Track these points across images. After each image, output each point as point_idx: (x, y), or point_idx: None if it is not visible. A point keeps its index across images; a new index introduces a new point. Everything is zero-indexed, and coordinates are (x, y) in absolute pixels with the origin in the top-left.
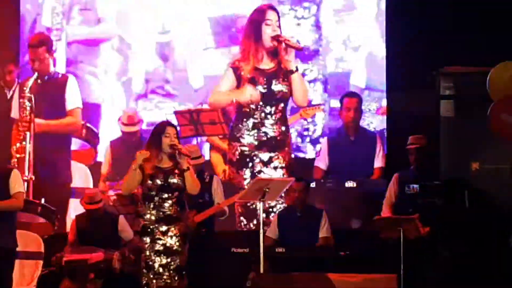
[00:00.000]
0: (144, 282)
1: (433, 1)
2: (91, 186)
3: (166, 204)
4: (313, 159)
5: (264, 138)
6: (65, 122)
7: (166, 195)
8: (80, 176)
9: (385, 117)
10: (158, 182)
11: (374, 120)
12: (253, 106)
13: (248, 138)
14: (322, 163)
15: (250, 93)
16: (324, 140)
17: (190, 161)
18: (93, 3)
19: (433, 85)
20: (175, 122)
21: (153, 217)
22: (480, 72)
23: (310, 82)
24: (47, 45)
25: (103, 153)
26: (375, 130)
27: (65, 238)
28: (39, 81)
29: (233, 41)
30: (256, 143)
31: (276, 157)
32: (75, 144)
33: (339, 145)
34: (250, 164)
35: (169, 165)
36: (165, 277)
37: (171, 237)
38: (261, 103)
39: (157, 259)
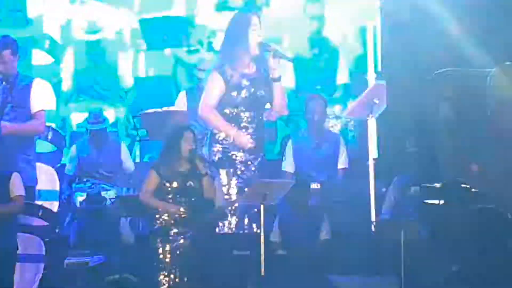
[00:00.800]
0: (157, 281)
1: (433, 2)
2: (57, 188)
3: (182, 208)
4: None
5: None
6: (30, 124)
7: (183, 199)
8: (46, 178)
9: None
10: (176, 185)
11: (337, 123)
12: (237, 110)
13: (230, 140)
14: (289, 167)
15: (245, 142)
16: (289, 143)
17: None
18: (23, 4)
19: (433, 87)
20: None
21: (169, 219)
22: (480, 74)
23: None
24: (11, 48)
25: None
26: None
27: (66, 241)
28: (4, 83)
29: (165, 43)
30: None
31: (255, 159)
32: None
33: (304, 147)
34: (230, 165)
35: (187, 169)
36: (175, 277)
37: (184, 238)
38: (243, 108)
39: (170, 259)
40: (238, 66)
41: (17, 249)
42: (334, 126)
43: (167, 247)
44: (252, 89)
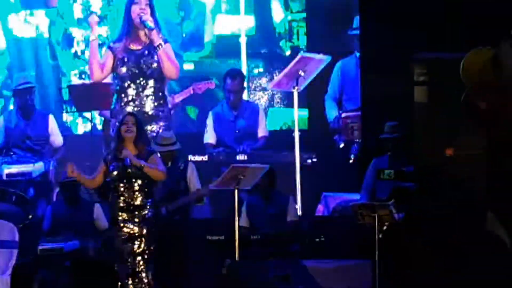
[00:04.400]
0: (116, 269)
1: None
2: None
3: (128, 193)
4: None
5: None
6: None
7: (127, 185)
8: None
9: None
10: (116, 172)
11: (264, 95)
12: (125, 84)
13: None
14: (210, 138)
15: None
16: (209, 116)
17: (164, 148)
18: None
19: (407, 71)
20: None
21: (117, 206)
22: (454, 58)
23: None
24: None
25: None
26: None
27: (40, 227)
28: None
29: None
30: None
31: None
32: None
33: (224, 119)
34: None
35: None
36: (130, 262)
37: (134, 223)
38: (129, 81)
39: (123, 246)
40: (125, 42)
41: None
42: (260, 98)
43: (121, 234)
44: (137, 64)
